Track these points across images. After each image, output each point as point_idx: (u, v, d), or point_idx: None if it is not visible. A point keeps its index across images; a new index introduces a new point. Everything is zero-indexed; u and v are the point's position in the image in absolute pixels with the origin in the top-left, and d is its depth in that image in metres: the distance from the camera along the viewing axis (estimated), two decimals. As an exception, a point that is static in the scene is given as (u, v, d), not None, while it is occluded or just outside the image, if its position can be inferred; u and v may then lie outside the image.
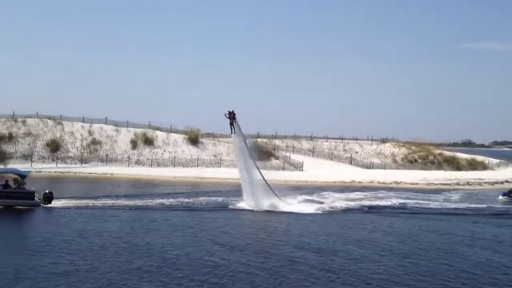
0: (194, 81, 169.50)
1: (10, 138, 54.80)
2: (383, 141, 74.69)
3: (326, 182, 48.56)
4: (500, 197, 39.89)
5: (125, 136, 59.15)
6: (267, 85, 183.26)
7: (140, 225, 23.62)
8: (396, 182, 50.23)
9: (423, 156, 68.78)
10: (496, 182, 53.84)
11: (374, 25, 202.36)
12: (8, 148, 53.47)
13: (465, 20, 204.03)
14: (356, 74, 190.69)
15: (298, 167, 58.07)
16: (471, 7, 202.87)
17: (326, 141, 71.75)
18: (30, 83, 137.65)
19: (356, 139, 73.85)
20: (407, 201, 35.82)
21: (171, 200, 31.96)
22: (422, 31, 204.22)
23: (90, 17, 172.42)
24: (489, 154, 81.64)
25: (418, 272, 17.04)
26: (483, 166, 68.81)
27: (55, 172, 48.60)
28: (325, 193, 38.52)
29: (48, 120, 58.88)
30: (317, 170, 56.02)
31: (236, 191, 33.46)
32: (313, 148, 68.27)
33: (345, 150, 69.40)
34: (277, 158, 60.62)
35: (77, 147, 56.19)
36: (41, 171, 47.56)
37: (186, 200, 32.43)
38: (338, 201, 34.07)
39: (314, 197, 35.24)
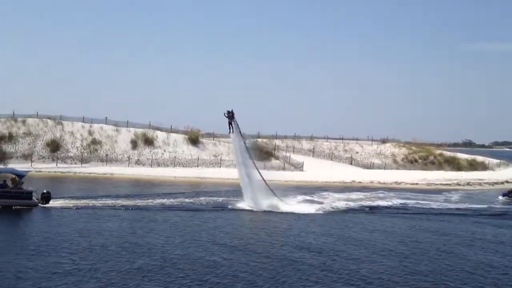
0: (194, 81, 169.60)
1: (10, 138, 54.82)
2: (384, 141, 74.66)
3: (326, 182, 48.55)
4: (500, 197, 39.89)
5: (125, 136, 59.15)
6: (267, 85, 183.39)
7: (141, 225, 23.60)
8: (396, 183, 50.24)
9: (423, 157, 68.77)
10: (497, 183, 53.86)
11: (375, 26, 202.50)
12: (8, 148, 53.50)
13: (466, 21, 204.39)
14: (356, 74, 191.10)
15: (298, 167, 58.06)
16: (471, 7, 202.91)
17: (326, 141, 71.75)
18: (30, 83, 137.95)
19: (357, 139, 73.87)
20: (408, 201, 35.80)
21: (171, 200, 31.97)
22: (423, 31, 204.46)
23: (90, 17, 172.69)
24: (490, 154, 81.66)
25: (419, 272, 17.03)
26: (484, 167, 68.81)
27: (55, 172, 48.62)
28: (325, 193, 38.51)
29: (48, 120, 58.89)
30: (317, 170, 56.03)
31: (236, 191, 33.44)
32: (313, 148, 68.25)
33: (345, 150, 69.39)
34: (277, 158, 60.61)
35: (77, 147, 56.19)
36: (41, 171, 47.60)
37: (186, 200, 32.42)
38: (338, 201, 34.07)
39: (314, 197, 35.23)
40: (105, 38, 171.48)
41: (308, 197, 34.65)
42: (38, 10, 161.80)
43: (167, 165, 55.28)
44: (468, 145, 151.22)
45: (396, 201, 35.37)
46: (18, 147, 54.15)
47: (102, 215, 25.89)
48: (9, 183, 27.50)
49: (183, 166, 55.51)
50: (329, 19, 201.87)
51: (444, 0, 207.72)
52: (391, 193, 40.28)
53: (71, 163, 53.55)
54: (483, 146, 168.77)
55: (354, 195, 37.67)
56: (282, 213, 29.04)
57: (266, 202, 30.41)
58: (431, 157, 68.81)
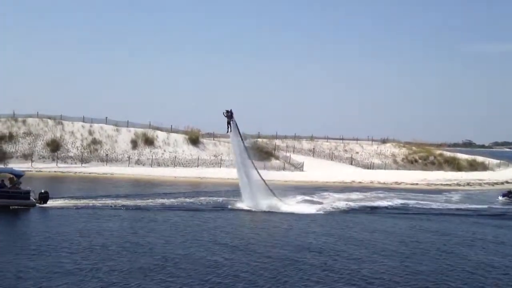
0: (194, 81, 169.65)
1: (11, 137, 54.85)
2: (384, 141, 74.68)
3: (327, 182, 48.56)
4: (500, 197, 39.91)
5: (125, 136, 59.17)
6: (267, 85, 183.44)
7: (141, 225, 23.60)
8: (396, 183, 50.26)
9: (423, 157, 68.80)
10: (497, 183, 53.89)
11: (375, 26, 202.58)
12: (8, 147, 53.53)
13: (466, 21, 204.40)
14: (356, 74, 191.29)
15: (299, 167, 58.06)
16: (471, 8, 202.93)
17: (327, 141, 71.77)
18: (30, 83, 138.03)
19: (357, 140, 73.89)
20: (408, 201, 35.78)
21: (171, 200, 31.97)
22: (423, 31, 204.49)
23: (90, 17, 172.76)
24: (490, 154, 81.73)
25: (420, 272, 17.03)
26: (484, 167, 68.85)
27: (55, 172, 48.65)
28: (325, 193, 38.51)
29: (49, 120, 58.91)
30: (318, 170, 56.05)
31: (236, 191, 33.42)
32: (313, 148, 68.27)
33: (346, 150, 69.41)
34: (277, 158, 60.62)
35: (77, 147, 56.20)
36: (41, 171, 47.65)
37: (187, 200, 32.40)
38: (338, 201, 34.05)
39: (315, 198, 35.22)
40: (105, 38, 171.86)
41: (308, 197, 34.62)
42: (38, 10, 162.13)
43: (167, 165, 55.28)
44: (468, 146, 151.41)
45: (396, 201, 35.37)
46: (18, 147, 54.19)
47: (102, 215, 25.88)
48: (7, 182, 27.47)
49: (183, 166, 55.52)
50: (329, 19, 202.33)
51: (444, 0, 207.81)
52: (391, 193, 40.28)
53: (71, 163, 53.58)
54: (483, 146, 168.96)
55: (354, 195, 37.68)
56: (282, 213, 29.01)
57: (266, 202, 30.38)
58: (431, 158, 68.84)
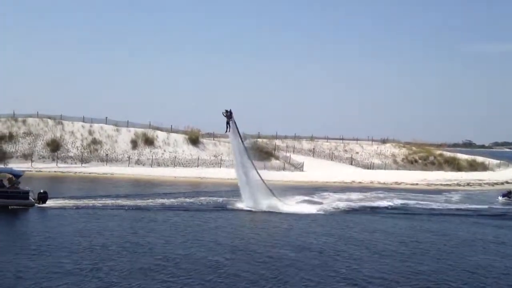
0: (194, 81, 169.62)
1: (11, 137, 54.83)
2: (384, 141, 74.67)
3: (327, 182, 48.56)
4: (500, 198, 39.94)
5: (125, 136, 59.16)
6: (267, 85, 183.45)
7: (141, 225, 23.59)
8: (396, 183, 50.27)
9: (423, 157, 68.81)
10: (496, 183, 53.90)
11: (375, 26, 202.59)
12: (8, 147, 53.51)
13: (466, 22, 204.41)
14: (356, 74, 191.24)
15: (299, 167, 58.06)
16: (471, 8, 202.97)
17: (327, 142, 71.75)
18: (30, 83, 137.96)
19: (357, 140, 73.88)
20: (408, 201, 35.79)
21: (171, 200, 31.95)
22: (423, 31, 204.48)
23: (90, 17, 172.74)
24: (490, 155, 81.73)
25: (421, 272, 17.04)
26: (484, 167, 68.86)
27: (55, 171, 48.63)
28: (325, 193, 38.51)
29: (49, 120, 58.89)
30: (318, 170, 56.04)
31: (236, 191, 33.36)
32: (313, 149, 68.27)
33: (346, 150, 69.40)
34: (277, 158, 60.61)
35: (77, 146, 56.19)
36: (41, 171, 47.64)
37: (187, 200, 32.38)
38: (338, 201, 34.04)
39: (315, 198, 35.21)
40: (105, 38, 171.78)
41: (308, 197, 34.61)
42: (38, 10, 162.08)
43: (167, 165, 55.27)
44: (468, 146, 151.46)
45: (397, 202, 35.37)
46: (18, 147, 54.17)
47: (102, 215, 25.88)
48: (5, 182, 27.44)
49: (183, 166, 55.51)
50: (329, 19, 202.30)
51: (444, 0, 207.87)
52: (391, 194, 40.29)
53: (71, 163, 53.56)
54: (483, 146, 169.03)
55: (354, 196, 37.67)
56: (281, 213, 28.99)
57: (265, 202, 30.35)
58: (431, 158, 68.84)
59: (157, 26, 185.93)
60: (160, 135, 60.52)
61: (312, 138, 72.55)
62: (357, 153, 69.02)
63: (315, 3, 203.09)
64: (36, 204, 27.32)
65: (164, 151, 58.25)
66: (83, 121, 60.19)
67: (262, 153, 57.00)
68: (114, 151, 56.61)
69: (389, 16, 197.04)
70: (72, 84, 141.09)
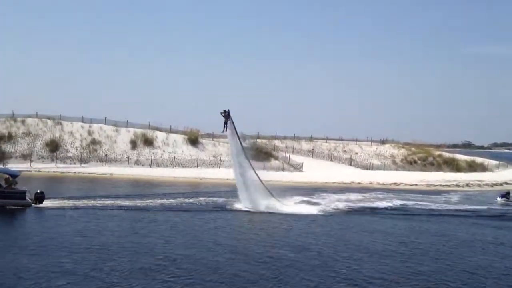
0: (194, 81, 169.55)
1: (10, 137, 54.75)
2: (383, 142, 74.69)
3: (326, 183, 48.56)
4: (499, 198, 40.03)
5: (124, 136, 59.11)
6: (267, 85, 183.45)
7: (141, 225, 23.59)
8: (395, 184, 50.30)
9: (422, 158, 68.84)
10: (495, 184, 53.94)
11: (375, 26, 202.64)
12: (8, 148, 53.43)
13: (466, 22, 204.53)
14: (356, 74, 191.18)
15: (298, 168, 58.07)
16: (471, 8, 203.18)
17: (326, 142, 71.73)
18: (30, 83, 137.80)
19: (356, 140, 73.88)
20: (407, 202, 35.81)
21: (171, 200, 31.94)
22: (423, 31, 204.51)
23: (90, 17, 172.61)
24: (489, 155, 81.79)
25: (421, 273, 17.08)
26: (483, 168, 68.90)
27: (54, 172, 48.57)
28: (324, 194, 38.50)
29: (48, 120, 58.82)
30: (317, 171, 56.04)
31: (235, 191, 33.35)
32: (312, 149, 68.27)
33: (345, 151, 69.40)
34: (276, 159, 60.61)
35: (76, 147, 56.13)
36: (40, 171, 47.60)
37: (186, 200, 32.38)
38: (337, 202, 34.04)
39: (314, 198, 35.19)
40: (105, 38, 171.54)
41: (307, 198, 34.60)
42: (38, 10, 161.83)
43: (167, 166, 55.24)
44: (467, 146, 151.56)
45: (396, 202, 35.37)
46: (18, 147, 54.11)
47: (101, 215, 25.86)
48: (2, 183, 27.39)
49: (183, 167, 55.48)
50: (329, 19, 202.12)
51: (444, 0, 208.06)
52: (391, 194, 40.31)
53: (71, 163, 53.51)
54: (482, 147, 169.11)
55: (354, 196, 37.68)
56: (280, 214, 28.97)
57: (263, 203, 30.31)
58: (430, 158, 68.88)
59: (157, 26, 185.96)
60: (160, 136, 60.49)
61: (311, 139, 72.54)
62: (356, 153, 69.02)
63: (315, 3, 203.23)
64: (33, 204, 27.27)
65: (164, 151, 58.23)
66: (82, 121, 60.12)
67: (261, 154, 57.03)
68: (113, 152, 56.57)
69: (389, 16, 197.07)
70: (72, 84, 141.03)
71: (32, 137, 55.75)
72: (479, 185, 53.02)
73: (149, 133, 60.12)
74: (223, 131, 32.22)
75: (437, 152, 71.69)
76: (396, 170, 64.14)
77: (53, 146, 55.06)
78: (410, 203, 35.53)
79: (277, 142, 67.24)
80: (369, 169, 63.04)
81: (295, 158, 61.00)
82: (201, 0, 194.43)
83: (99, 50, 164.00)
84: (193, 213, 28.06)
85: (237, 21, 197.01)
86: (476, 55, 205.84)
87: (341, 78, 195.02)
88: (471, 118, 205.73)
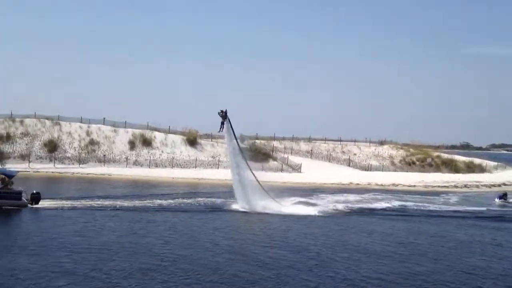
0: (194, 81, 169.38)
1: (8, 138, 54.65)
2: (381, 143, 74.72)
3: (324, 184, 48.58)
4: (497, 199, 40.13)
5: (123, 137, 59.05)
6: (267, 85, 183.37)
7: (139, 226, 23.58)
8: (394, 184, 50.32)
9: (421, 159, 68.89)
10: (494, 185, 54.02)
11: (375, 26, 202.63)
12: (6, 148, 53.32)
13: (467, 22, 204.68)
14: (356, 74, 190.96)
15: (296, 168, 58.09)
16: (472, 8, 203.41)
17: (325, 143, 71.73)
18: (30, 83, 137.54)
19: (355, 141, 73.89)
20: (406, 203, 35.84)
21: (169, 201, 31.94)
22: (423, 31, 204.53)
23: (90, 17, 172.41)
24: (487, 157, 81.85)
25: (419, 273, 17.11)
26: (481, 169, 68.96)
27: (52, 172, 48.50)
28: (323, 194, 38.53)
29: (46, 120, 58.73)
30: (315, 172, 56.03)
31: (233, 192, 33.34)
32: (311, 150, 68.28)
33: (343, 152, 69.42)
34: (275, 159, 60.60)
35: (74, 147, 56.06)
36: (38, 171, 47.53)
37: (185, 201, 32.36)
38: (336, 203, 34.06)
39: (312, 199, 35.20)
40: (105, 38, 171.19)
41: (305, 199, 34.59)
42: (38, 10, 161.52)
43: (165, 166, 55.19)
44: (465, 147, 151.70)
45: (394, 203, 35.41)
46: (16, 147, 54.01)
47: (99, 215, 25.83)
48: None
49: (181, 167, 55.45)
50: (329, 19, 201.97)
51: (444, 0, 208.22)
52: (389, 195, 40.33)
53: (69, 164, 53.43)
54: (480, 148, 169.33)
55: (352, 197, 37.71)
56: (279, 214, 28.99)
57: (260, 204, 30.30)
58: (429, 159, 68.94)
59: (157, 26, 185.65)
60: (158, 136, 60.45)
61: (310, 140, 72.54)
62: (354, 154, 69.05)
63: (315, 3, 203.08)
64: (29, 205, 27.21)
65: (162, 152, 58.18)
66: (81, 122, 60.04)
67: (260, 155, 57.04)
68: (112, 152, 56.50)
69: (389, 16, 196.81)
70: (72, 84, 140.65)
71: (30, 138, 55.67)
72: (477, 186, 53.09)
73: (148, 133, 60.08)
74: (219, 131, 32.26)
75: (436, 153, 71.75)
76: (395, 171, 64.18)
77: (52, 147, 54.98)
78: (409, 204, 35.57)
79: (275, 143, 67.22)
80: (368, 170, 63.05)
81: (294, 159, 61.01)
82: (201, 0, 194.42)
83: (99, 50, 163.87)
84: (191, 213, 28.07)
85: (237, 21, 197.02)
86: (476, 55, 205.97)
87: (341, 78, 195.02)
88: (470, 118, 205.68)
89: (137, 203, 30.27)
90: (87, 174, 48.29)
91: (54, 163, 52.82)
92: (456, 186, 51.89)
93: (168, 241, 20.54)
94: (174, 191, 38.31)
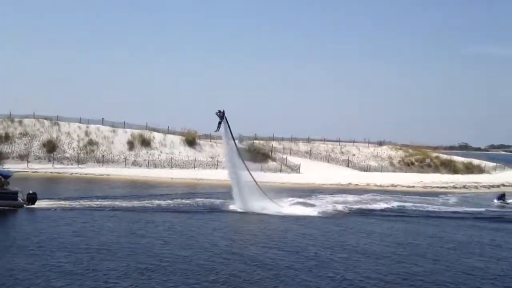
0: (194, 81, 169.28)
1: (7, 138, 54.58)
2: (380, 143, 74.77)
3: (323, 184, 48.60)
4: (495, 200, 40.16)
5: (122, 137, 59.00)
6: (267, 85, 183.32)
7: (138, 226, 23.55)
8: (393, 185, 50.35)
9: (420, 159, 68.96)
10: (492, 186, 54.10)
11: (375, 26, 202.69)
12: (5, 148, 53.26)
13: (467, 22, 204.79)
14: (356, 74, 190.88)
15: (295, 169, 58.08)
16: (472, 8, 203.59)
17: (323, 143, 71.74)
18: (30, 83, 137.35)
19: (353, 142, 73.93)
20: (404, 204, 35.87)
21: (168, 201, 31.89)
22: (423, 31, 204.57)
23: (90, 17, 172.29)
24: (486, 157, 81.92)
25: (418, 274, 17.12)
26: (480, 170, 69.04)
27: (51, 172, 48.43)
28: (321, 195, 38.53)
29: (45, 121, 58.67)
30: (314, 172, 56.04)
31: (232, 193, 33.35)
32: (310, 150, 68.28)
33: (342, 152, 69.44)
34: (274, 160, 60.60)
35: (73, 147, 56.01)
36: (37, 172, 47.48)
37: (183, 201, 32.30)
38: (334, 203, 34.05)
39: (311, 200, 35.20)
40: (105, 38, 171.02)
41: (304, 200, 34.59)
42: (38, 10, 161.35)
43: (164, 167, 55.16)
44: (464, 148, 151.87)
45: (393, 204, 35.41)
46: (15, 147, 53.94)
47: (99, 215, 25.80)
48: None
49: (180, 168, 55.42)
50: (329, 19, 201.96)
51: (444, 0, 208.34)
52: (388, 196, 40.36)
53: (68, 164, 53.36)
54: (479, 149, 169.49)
55: (351, 198, 37.71)
56: (277, 215, 28.97)
57: (258, 204, 30.27)
58: (428, 160, 68.99)
59: (157, 26, 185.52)
60: (157, 136, 60.41)
61: (308, 140, 72.52)
62: (353, 155, 69.07)
63: (315, 3, 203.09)
64: (25, 205, 27.15)
65: (161, 152, 58.15)
66: (80, 122, 59.98)
67: (259, 155, 57.05)
68: (111, 152, 56.46)
69: (389, 16, 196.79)
70: (72, 84, 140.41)
71: (29, 138, 55.60)
72: (476, 187, 53.15)
73: (147, 134, 60.03)
74: (216, 130, 32.25)
75: (434, 154, 71.82)
76: (394, 171, 64.21)
77: (50, 147, 54.91)
78: (408, 204, 35.59)
79: (274, 143, 67.21)
80: (367, 171, 63.07)
81: (293, 160, 61.02)
82: (201, 0, 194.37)
83: (99, 50, 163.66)
84: (190, 214, 28.05)
85: (237, 21, 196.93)
86: (476, 55, 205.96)
87: (341, 78, 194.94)
88: (470, 119, 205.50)
89: (135, 203, 30.24)
90: (86, 174, 48.24)
91: (53, 163, 52.75)
92: (455, 187, 51.95)
93: (167, 241, 20.52)
94: (173, 191, 38.28)
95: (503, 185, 54.61)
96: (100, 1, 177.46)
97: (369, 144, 73.98)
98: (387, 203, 35.76)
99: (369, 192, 42.60)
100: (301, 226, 25.70)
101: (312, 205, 32.60)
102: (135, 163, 55.18)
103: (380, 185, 49.56)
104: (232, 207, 30.48)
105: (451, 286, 16.04)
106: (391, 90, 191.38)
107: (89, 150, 56.03)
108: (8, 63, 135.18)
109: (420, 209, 34.06)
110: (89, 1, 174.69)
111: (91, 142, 57.05)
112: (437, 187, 51.26)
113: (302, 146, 69.49)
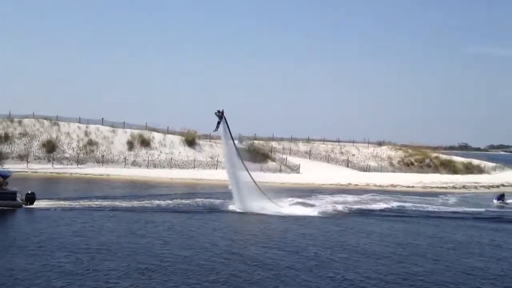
0: (193, 81, 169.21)
1: (6, 138, 54.56)
2: (380, 144, 74.79)
3: (323, 184, 48.61)
4: (495, 201, 40.18)
5: (121, 137, 59.00)
6: (267, 85, 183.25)
7: (137, 226, 23.55)
8: (392, 185, 50.35)
9: (419, 159, 68.98)
10: (492, 186, 54.09)
11: (375, 26, 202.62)
12: (4, 148, 53.25)
13: (467, 22, 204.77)
14: (356, 74, 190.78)
15: (295, 169, 58.09)
16: (472, 8, 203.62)
17: (323, 144, 71.75)
18: (30, 83, 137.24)
19: (353, 142, 73.95)
20: (404, 204, 35.87)
21: (168, 201, 31.87)
22: (423, 31, 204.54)
23: (90, 17, 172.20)
24: (485, 157, 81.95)
25: (418, 274, 17.12)
26: (479, 170, 69.06)
27: (51, 172, 48.41)
28: (321, 195, 38.53)
29: (44, 121, 58.66)
30: (314, 172, 56.05)
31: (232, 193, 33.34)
32: (309, 151, 68.30)
33: (342, 152, 69.46)
34: (273, 160, 60.60)
35: (73, 148, 56.00)
36: (36, 172, 47.46)
37: (183, 201, 32.30)
38: (334, 203, 34.05)
39: (310, 200, 35.20)
40: (105, 38, 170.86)
41: (303, 200, 34.58)
42: (38, 10, 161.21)
43: (164, 167, 55.16)
44: (463, 148, 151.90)
45: (393, 204, 35.40)
46: (14, 147, 53.93)
47: (99, 216, 25.80)
48: None
49: (180, 168, 55.41)
50: (329, 19, 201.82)
51: (444, 0, 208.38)
52: (387, 196, 40.35)
53: (67, 164, 53.35)
54: (478, 149, 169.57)
55: (350, 198, 37.72)
56: (276, 215, 28.97)
57: (257, 204, 30.25)
58: (427, 160, 69.01)
59: (157, 26, 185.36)
60: (157, 136, 60.40)
61: (308, 140, 72.52)
62: (353, 155, 69.09)
63: (315, 3, 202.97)
64: (23, 205, 27.13)
65: (160, 152, 58.14)
66: (79, 122, 59.95)
67: (258, 155, 57.05)
68: (110, 152, 56.45)
69: (389, 16, 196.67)
70: (72, 84, 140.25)
71: (28, 138, 55.58)
72: (475, 187, 53.16)
73: (146, 134, 60.03)
74: (214, 130, 32.22)
75: (434, 154, 71.83)
76: (393, 172, 64.22)
77: (50, 147, 54.89)
78: (407, 205, 35.60)
79: (274, 144, 67.22)
80: (366, 171, 63.09)
81: (292, 160, 61.03)
82: (201, 0, 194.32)
83: (99, 50, 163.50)
84: (190, 214, 28.05)
85: (237, 21, 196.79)
86: (476, 55, 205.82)
87: (341, 78, 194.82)
88: (470, 119, 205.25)
89: (135, 203, 30.24)
90: (86, 174, 48.23)
91: (53, 163, 52.74)
92: (454, 187, 51.96)
93: (167, 241, 20.53)
94: (173, 191, 38.27)
95: (503, 185, 54.62)
96: (100, 1, 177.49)
97: (369, 144, 74.01)
98: (386, 203, 35.77)
99: (368, 192, 42.61)
100: (301, 226, 25.70)
101: (312, 205, 32.61)
102: (134, 163, 55.17)
103: (380, 185, 49.57)
104: (231, 207, 30.48)
105: (451, 286, 16.06)
106: (391, 90, 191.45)
107: (89, 150, 56.02)
108: (8, 63, 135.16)
109: (420, 209, 34.07)
110: (89, 1, 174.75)
111: (90, 142, 57.04)
112: (437, 187, 51.27)
113: (302, 146, 69.51)
